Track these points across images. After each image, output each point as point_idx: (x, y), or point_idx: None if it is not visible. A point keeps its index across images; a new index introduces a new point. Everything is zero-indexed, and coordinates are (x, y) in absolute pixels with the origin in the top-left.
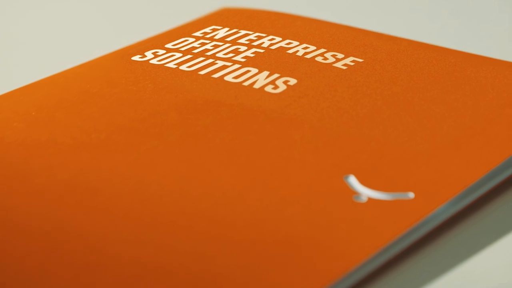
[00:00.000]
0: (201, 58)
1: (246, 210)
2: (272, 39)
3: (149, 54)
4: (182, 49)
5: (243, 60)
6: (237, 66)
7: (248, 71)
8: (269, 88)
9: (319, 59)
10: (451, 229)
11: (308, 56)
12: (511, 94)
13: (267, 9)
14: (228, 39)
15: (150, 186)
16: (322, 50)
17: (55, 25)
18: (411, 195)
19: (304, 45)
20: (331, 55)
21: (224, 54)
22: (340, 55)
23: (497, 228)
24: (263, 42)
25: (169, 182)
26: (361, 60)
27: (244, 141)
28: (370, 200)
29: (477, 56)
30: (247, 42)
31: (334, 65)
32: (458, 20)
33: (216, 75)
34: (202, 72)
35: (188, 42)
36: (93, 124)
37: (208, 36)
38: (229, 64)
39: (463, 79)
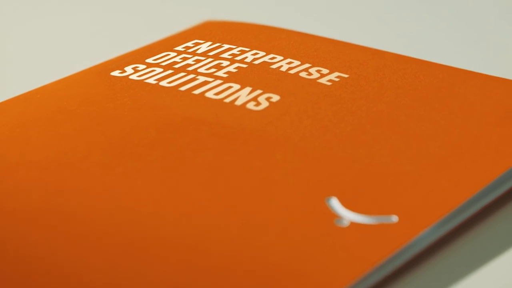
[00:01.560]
0: (182, 74)
1: (223, 236)
2: (256, 53)
3: (129, 69)
4: (163, 64)
5: (225, 75)
6: (218, 82)
7: (230, 87)
8: (251, 105)
9: (303, 74)
10: (436, 254)
11: (292, 72)
12: (500, 112)
13: (253, 22)
14: (211, 53)
15: (125, 211)
16: (307, 65)
17: (32, 40)
18: (395, 218)
19: (288, 60)
20: (316, 71)
21: (206, 69)
22: (325, 71)
23: (484, 252)
24: (246, 57)
25: (145, 206)
26: (346, 76)
27: (223, 161)
28: (352, 224)
29: (466, 71)
30: (230, 57)
31: (319, 81)
32: (447, 33)
33: (196, 91)
34: (183, 88)
35: (170, 56)
36: (68, 143)
37: (190, 50)
38: (210, 79)
39: (450, 95)
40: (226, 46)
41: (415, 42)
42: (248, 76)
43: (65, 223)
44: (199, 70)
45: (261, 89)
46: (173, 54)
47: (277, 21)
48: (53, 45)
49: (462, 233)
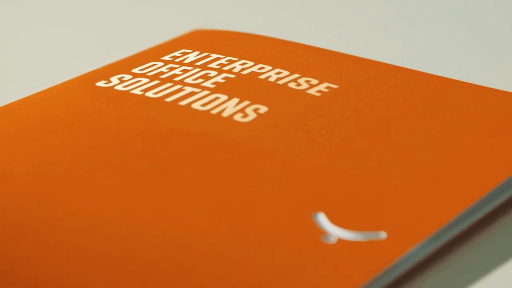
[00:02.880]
0: (169, 84)
1: (208, 252)
2: (244, 63)
3: (114, 80)
4: (150, 74)
5: (212, 86)
6: (206, 92)
7: (217, 98)
8: (238, 117)
9: (292, 85)
10: (425, 271)
11: (280, 82)
12: (492, 123)
13: (243, 31)
14: (198, 63)
15: (109, 225)
16: (296, 76)
17: (16, 49)
18: (383, 235)
19: (277, 70)
20: (305, 81)
21: (193, 80)
22: (314, 81)
23: (476, 268)
24: (234, 67)
25: (129, 220)
26: (336, 86)
27: (209, 175)
28: (340, 241)
29: (457, 82)
30: (217, 67)
31: (308, 91)
32: (439, 43)
33: (183, 103)
34: (169, 99)
35: (156, 66)
36: (52, 156)
37: (177, 60)
38: (197, 90)
39: (442, 106)
40: (214, 56)
41: (408, 52)
42: (235, 86)
43: (47, 237)
44: (186, 81)
45: (248, 100)
46: (160, 64)
47: (266, 30)
48: (38, 54)
49: (452, 249)
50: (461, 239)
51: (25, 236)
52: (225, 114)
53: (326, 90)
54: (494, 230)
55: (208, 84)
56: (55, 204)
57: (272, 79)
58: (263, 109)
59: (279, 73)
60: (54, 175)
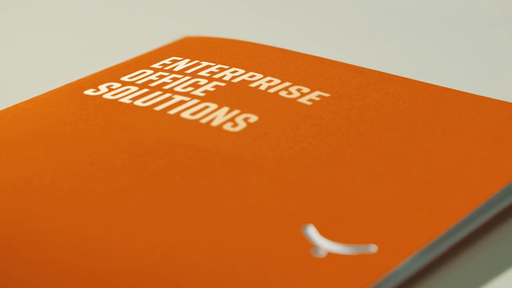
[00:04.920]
0: (158, 93)
1: (194, 266)
2: (235, 71)
3: (103, 88)
4: (139, 82)
5: (202, 94)
6: (195, 101)
7: (207, 107)
8: (227, 126)
9: (283, 93)
10: (416, 285)
11: (271, 91)
12: (485, 134)
13: (234, 37)
14: (188, 71)
15: (93, 240)
16: (287, 84)
17: (2, 56)
18: (373, 248)
19: (268, 78)
20: (296, 89)
21: (182, 88)
22: (305, 89)
23: (468, 282)
24: (225, 75)
25: (113, 235)
26: (327, 95)
27: (197, 187)
28: (329, 254)
29: (450, 90)
30: (208, 75)
31: (299, 100)
32: (431, 50)
33: (172, 111)
34: (158, 108)
35: (146, 74)
36: (36, 167)
37: (167, 68)
38: (187, 99)
39: (434, 116)
40: (204, 64)
41: (400, 59)
42: (226, 95)
43: (30, 250)
44: (175, 89)
45: (239, 109)
46: (149, 72)
47: (258, 37)
48: (25, 62)
49: (444, 263)
50: (452, 252)
51: (8, 250)
52: (215, 123)
53: (317, 98)
54: (486, 243)
55: (198, 92)
56: (39, 217)
57: (263, 88)
58: (253, 118)
59: (270, 81)
60: (37, 188)
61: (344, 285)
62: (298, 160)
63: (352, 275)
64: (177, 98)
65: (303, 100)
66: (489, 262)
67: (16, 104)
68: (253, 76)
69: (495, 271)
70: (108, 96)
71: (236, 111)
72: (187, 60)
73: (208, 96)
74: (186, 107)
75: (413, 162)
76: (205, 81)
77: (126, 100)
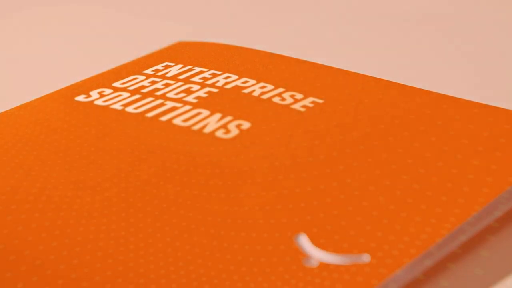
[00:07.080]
0: (150, 99)
1: (184, 276)
2: (228, 77)
3: (94, 94)
4: (131, 88)
5: (194, 100)
6: (187, 107)
7: (199, 113)
8: (220, 133)
9: (276, 99)
10: None
11: (264, 97)
12: (480, 142)
13: (228, 42)
14: (181, 77)
15: (84, 247)
16: (280, 90)
17: None
18: (366, 258)
19: (262, 84)
20: (290, 95)
21: (175, 94)
22: (299, 95)
23: None
24: (217, 81)
25: (99, 246)
26: (321, 101)
27: (187, 195)
28: (322, 264)
29: (445, 96)
30: (200, 81)
31: (292, 106)
32: (426, 56)
33: (164, 118)
34: (150, 115)
35: (138, 80)
36: (24, 176)
37: (159, 73)
38: (179, 105)
39: (429, 123)
40: (197, 69)
41: (394, 64)
42: (218, 101)
43: (20, 258)
44: (167, 95)
45: (231, 115)
46: (141, 77)
47: (251, 42)
48: (15, 67)
49: (438, 273)
50: (445, 262)
51: None
52: (207, 130)
53: (311, 105)
54: (482, 253)
55: (190, 98)
56: (29, 225)
57: (256, 94)
58: (246, 125)
59: (263, 87)
60: (24, 197)
61: None
62: (290, 168)
63: (344, 285)
64: (169, 104)
65: (297, 106)
66: (484, 270)
67: (5, 111)
68: (246, 82)
69: (490, 280)
70: (99, 102)
71: (228, 118)
72: (180, 65)
73: (201, 103)
74: (178, 113)
75: (407, 170)
76: (198, 87)
77: (117, 106)
